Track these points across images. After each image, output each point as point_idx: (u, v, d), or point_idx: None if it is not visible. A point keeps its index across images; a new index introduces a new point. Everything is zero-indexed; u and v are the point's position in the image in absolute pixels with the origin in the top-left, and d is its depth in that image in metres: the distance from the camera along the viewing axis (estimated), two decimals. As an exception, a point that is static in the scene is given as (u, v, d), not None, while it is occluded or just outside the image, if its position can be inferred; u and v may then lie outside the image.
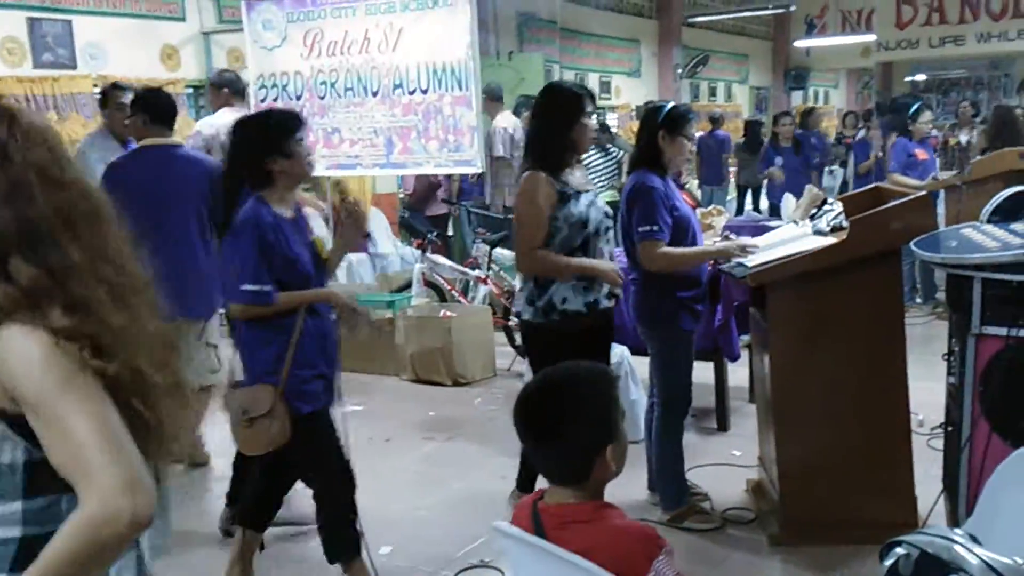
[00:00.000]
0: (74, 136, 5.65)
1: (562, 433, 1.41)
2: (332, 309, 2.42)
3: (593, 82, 11.01)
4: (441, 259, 5.67)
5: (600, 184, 6.94)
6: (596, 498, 1.45)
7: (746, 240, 2.95)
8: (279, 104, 5.44)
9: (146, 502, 0.94)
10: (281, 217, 2.33)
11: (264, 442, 2.32)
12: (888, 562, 1.56)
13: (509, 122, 6.38)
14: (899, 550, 1.55)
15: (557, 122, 2.62)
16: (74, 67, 5.82)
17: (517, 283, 4.24)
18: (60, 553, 0.93)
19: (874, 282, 2.71)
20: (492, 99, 6.22)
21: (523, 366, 4.65)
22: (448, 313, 4.99)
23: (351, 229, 2.55)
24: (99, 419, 0.94)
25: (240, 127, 2.42)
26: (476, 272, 5.50)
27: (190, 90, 6.63)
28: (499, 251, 5.55)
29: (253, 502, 2.57)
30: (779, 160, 7.53)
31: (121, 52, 6.04)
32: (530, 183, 2.59)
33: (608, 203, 2.87)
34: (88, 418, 0.94)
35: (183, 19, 6.52)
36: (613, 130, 9.90)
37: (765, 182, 8.30)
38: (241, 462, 2.80)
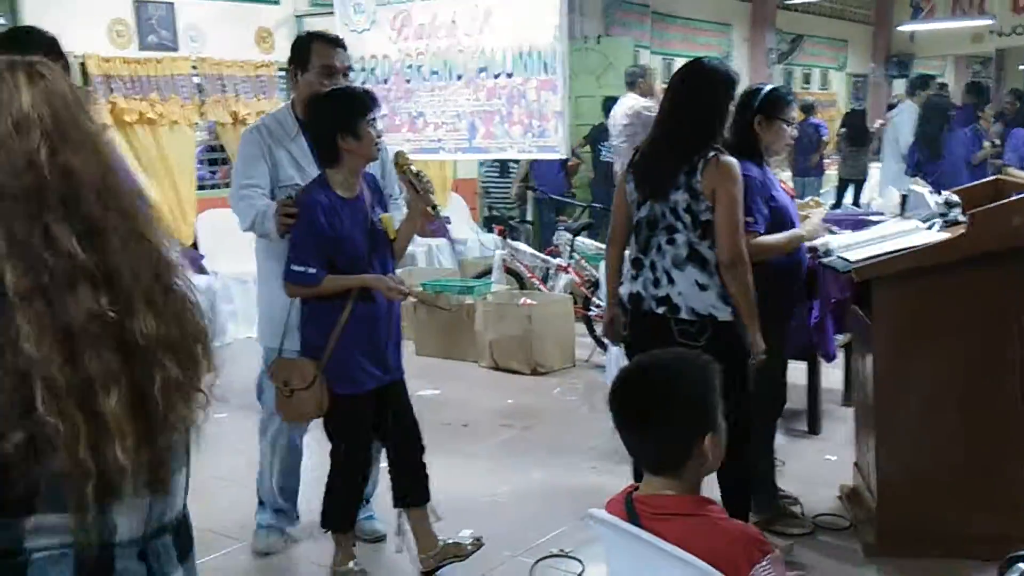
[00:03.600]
0: (172, 116, 5.88)
1: (658, 417, 1.36)
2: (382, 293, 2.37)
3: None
4: (522, 246, 5.63)
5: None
6: (695, 492, 1.39)
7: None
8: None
9: None
10: (338, 198, 2.33)
11: (299, 413, 2.41)
12: (1011, 577, 1.44)
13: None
14: (1023, 566, 1.43)
15: (737, 107, 2.48)
16: (176, 49, 6.03)
17: (602, 272, 4.15)
18: None
19: (992, 281, 2.50)
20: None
21: (603, 358, 4.59)
22: (528, 301, 4.96)
23: (415, 202, 2.44)
24: None
25: (314, 103, 2.40)
26: (557, 260, 5.44)
27: (283, 73, 6.77)
28: (581, 239, 5.48)
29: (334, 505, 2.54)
30: None
31: (219, 35, 6.20)
32: (736, 167, 2.34)
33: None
34: None
35: (277, 2, 6.65)
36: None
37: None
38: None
